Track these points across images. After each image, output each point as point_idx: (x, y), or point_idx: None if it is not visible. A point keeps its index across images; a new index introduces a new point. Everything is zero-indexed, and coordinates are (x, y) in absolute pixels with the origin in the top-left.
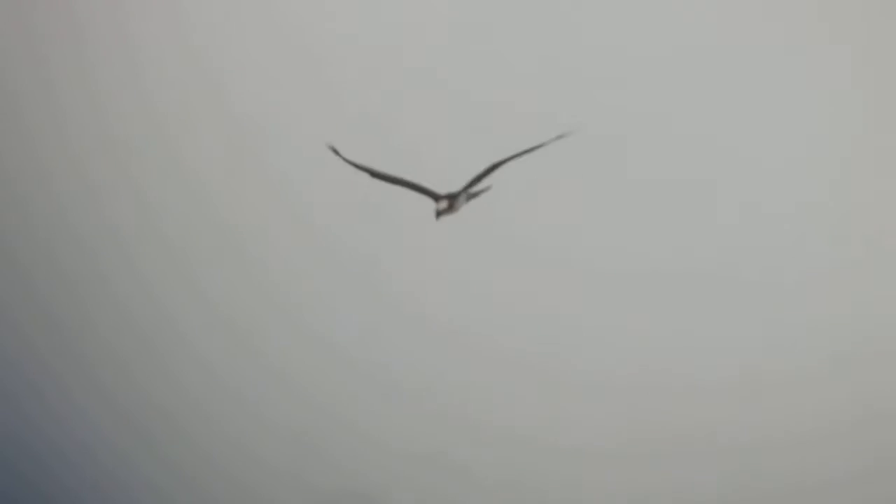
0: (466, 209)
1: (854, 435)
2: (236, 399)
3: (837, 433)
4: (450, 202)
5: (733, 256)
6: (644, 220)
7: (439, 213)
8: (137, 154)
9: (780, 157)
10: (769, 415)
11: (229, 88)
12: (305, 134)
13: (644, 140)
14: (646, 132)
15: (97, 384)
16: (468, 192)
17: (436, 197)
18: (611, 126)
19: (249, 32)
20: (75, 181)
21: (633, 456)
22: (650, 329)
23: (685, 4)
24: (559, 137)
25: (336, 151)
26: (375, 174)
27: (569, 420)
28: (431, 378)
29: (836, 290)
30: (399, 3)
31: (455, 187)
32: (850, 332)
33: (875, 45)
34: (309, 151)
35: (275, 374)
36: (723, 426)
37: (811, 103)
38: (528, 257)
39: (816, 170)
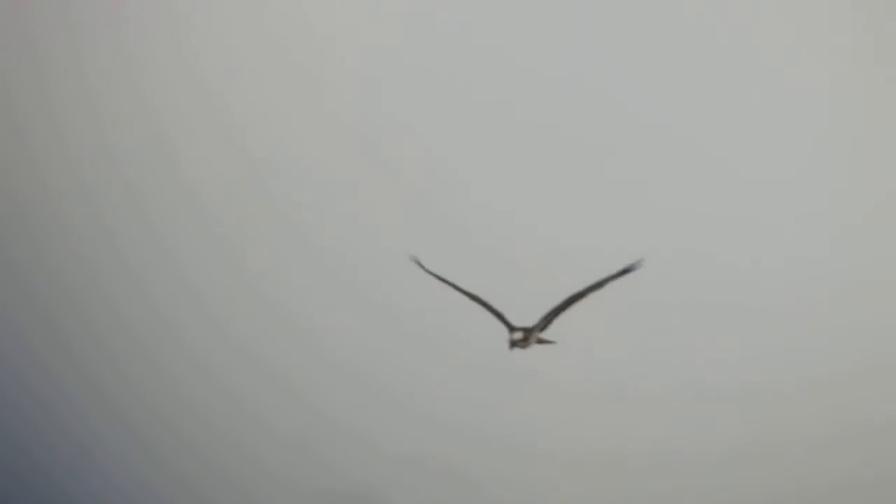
0: (467, 219)
1: (862, 443)
2: (236, 404)
3: (841, 442)
4: (525, 334)
5: (735, 271)
6: (652, 234)
7: (513, 344)
8: (137, 162)
9: (785, 171)
10: (768, 426)
11: (228, 97)
12: (303, 143)
13: (649, 160)
14: (650, 151)
15: (96, 388)
16: (544, 323)
17: (510, 327)
18: (617, 146)
19: (247, 41)
20: (73, 187)
21: (632, 465)
22: (652, 339)
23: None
24: (628, 270)
25: (420, 264)
26: (458, 289)
27: (567, 427)
28: (430, 384)
29: (841, 304)
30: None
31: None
32: (854, 345)
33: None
34: (307, 160)
35: (274, 379)
36: (722, 437)
37: (814, 119)
38: (530, 270)
39: (821, 183)
